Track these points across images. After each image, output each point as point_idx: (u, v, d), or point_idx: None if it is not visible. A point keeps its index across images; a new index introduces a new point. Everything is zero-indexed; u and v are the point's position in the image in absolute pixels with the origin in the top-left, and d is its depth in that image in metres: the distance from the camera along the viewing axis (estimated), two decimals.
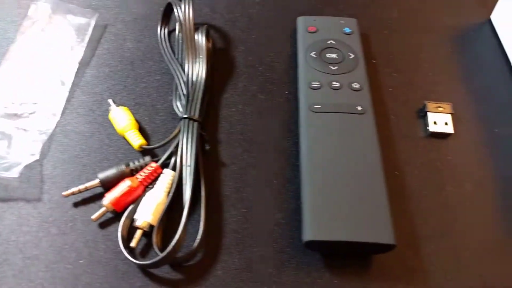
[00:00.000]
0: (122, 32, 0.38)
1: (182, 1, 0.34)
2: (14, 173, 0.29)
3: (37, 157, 0.30)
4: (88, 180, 0.29)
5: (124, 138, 0.31)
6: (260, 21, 0.39)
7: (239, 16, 0.39)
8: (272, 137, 0.33)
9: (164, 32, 0.37)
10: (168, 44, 0.36)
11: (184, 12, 0.34)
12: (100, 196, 0.29)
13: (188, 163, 0.29)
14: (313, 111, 0.31)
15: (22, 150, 0.30)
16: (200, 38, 0.34)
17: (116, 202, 0.27)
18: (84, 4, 0.39)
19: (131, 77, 0.35)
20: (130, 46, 0.37)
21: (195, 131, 0.30)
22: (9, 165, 0.29)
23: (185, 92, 0.32)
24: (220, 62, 0.36)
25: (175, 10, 0.35)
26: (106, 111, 0.33)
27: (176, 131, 0.30)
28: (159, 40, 0.37)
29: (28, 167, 0.30)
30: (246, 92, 0.35)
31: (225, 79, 0.35)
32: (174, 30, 0.37)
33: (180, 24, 0.34)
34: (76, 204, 0.29)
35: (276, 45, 0.38)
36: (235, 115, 0.34)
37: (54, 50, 0.35)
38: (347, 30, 0.36)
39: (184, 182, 0.28)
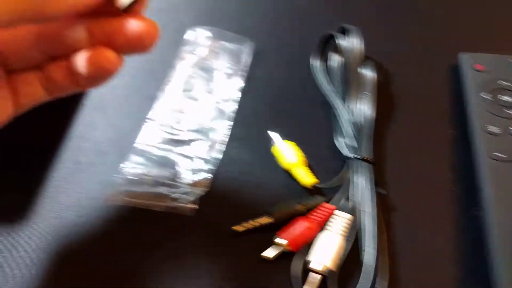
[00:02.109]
0: (277, 60, 0.37)
1: (350, 32, 0.34)
2: (190, 201, 0.29)
3: (207, 187, 0.30)
4: (254, 215, 0.29)
5: (288, 173, 0.31)
6: (416, 55, 0.38)
7: (395, 49, 0.38)
8: (439, 179, 0.31)
9: (320, 63, 0.36)
10: (325, 75, 0.35)
11: (351, 43, 0.33)
12: (269, 232, 0.28)
13: (366, 209, 0.28)
14: (493, 159, 0.29)
15: (191, 179, 0.30)
16: (367, 72, 0.33)
17: (294, 242, 0.27)
18: (239, 31, 0.39)
19: (288, 108, 0.35)
20: (285, 75, 0.37)
21: (368, 173, 0.29)
22: (182, 195, 0.29)
23: (350, 130, 0.31)
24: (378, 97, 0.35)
25: (338, 41, 0.34)
26: (265, 143, 0.32)
27: (346, 171, 0.29)
28: (314, 71, 0.36)
29: (199, 197, 0.30)
30: (407, 129, 0.34)
31: (384, 115, 0.34)
32: (328, 60, 0.36)
33: (345, 57, 0.33)
34: (247, 239, 0.28)
35: (434, 81, 0.36)
36: (396, 153, 0.32)
37: (213, 78, 0.36)
38: None
39: (363, 228, 0.27)
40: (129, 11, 0.21)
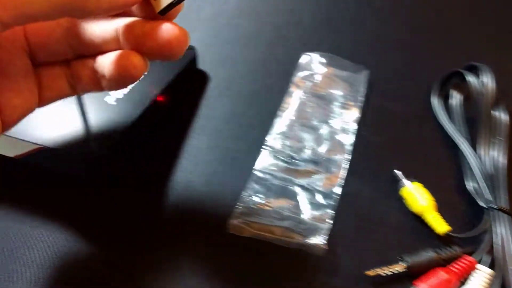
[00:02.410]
0: (393, 91, 0.36)
1: (481, 71, 0.32)
2: (319, 240, 0.28)
3: (330, 223, 0.29)
4: (383, 258, 0.27)
5: (416, 216, 0.29)
6: None
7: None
8: None
9: (439, 100, 0.35)
10: (446, 114, 0.34)
11: (483, 83, 0.32)
12: (402, 280, 0.27)
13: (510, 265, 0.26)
14: None
15: (311, 214, 0.29)
16: (500, 115, 0.32)
17: None
18: (350, 57, 0.38)
19: (408, 144, 0.33)
20: (402, 108, 0.35)
21: (508, 225, 0.27)
22: (309, 230, 0.28)
23: (483, 177, 0.30)
24: None
25: (468, 79, 0.32)
26: (386, 180, 0.31)
27: (486, 222, 0.28)
28: (434, 108, 0.35)
29: (326, 235, 0.29)
30: None
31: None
32: (449, 97, 0.35)
33: (476, 97, 0.32)
34: (379, 284, 0.27)
35: None
36: None
37: (328, 106, 0.35)
38: None
39: (509, 285, 0.26)
40: (164, 14, 0.20)
